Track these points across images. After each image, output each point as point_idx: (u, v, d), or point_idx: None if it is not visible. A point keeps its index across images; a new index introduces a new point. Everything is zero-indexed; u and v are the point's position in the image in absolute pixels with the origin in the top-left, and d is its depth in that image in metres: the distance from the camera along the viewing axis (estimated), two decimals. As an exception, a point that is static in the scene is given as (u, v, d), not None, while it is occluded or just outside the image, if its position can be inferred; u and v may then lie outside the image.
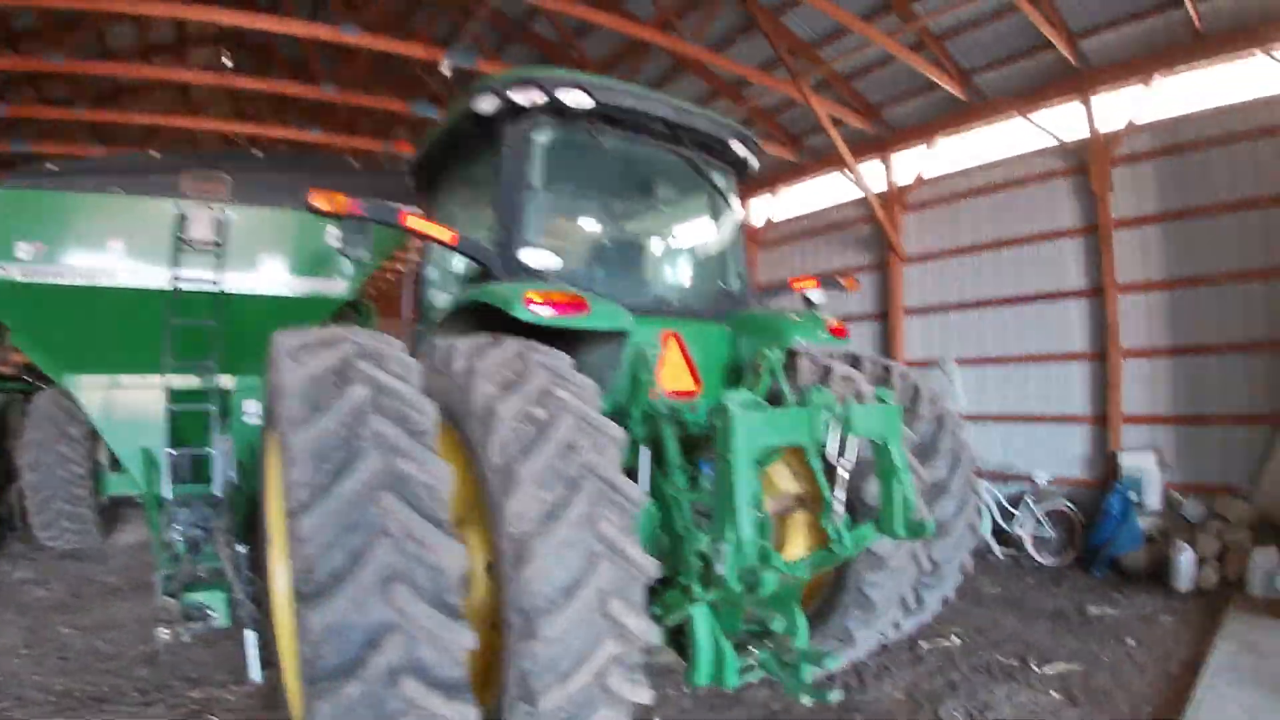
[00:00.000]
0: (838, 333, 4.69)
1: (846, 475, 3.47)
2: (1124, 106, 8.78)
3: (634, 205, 5.11)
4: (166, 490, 5.97)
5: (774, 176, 13.63)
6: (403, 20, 13.38)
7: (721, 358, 4.56)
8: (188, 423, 6.24)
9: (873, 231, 12.00)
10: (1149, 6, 8.08)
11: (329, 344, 2.80)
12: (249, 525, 5.50)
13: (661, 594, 3.31)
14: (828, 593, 4.43)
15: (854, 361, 5.42)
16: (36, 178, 5.93)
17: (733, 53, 11.00)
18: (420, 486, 2.47)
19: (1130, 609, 6.85)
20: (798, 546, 4.30)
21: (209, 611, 4.85)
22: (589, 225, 5.01)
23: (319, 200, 3.53)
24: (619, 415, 3.89)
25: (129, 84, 13.84)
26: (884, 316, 11.81)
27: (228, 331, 6.16)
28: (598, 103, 4.12)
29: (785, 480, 4.42)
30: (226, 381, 6.54)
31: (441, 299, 4.91)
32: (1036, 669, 5.36)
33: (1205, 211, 8.24)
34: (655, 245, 5.13)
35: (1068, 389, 9.47)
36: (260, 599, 4.36)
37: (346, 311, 7.73)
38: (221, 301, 6.05)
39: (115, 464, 7.88)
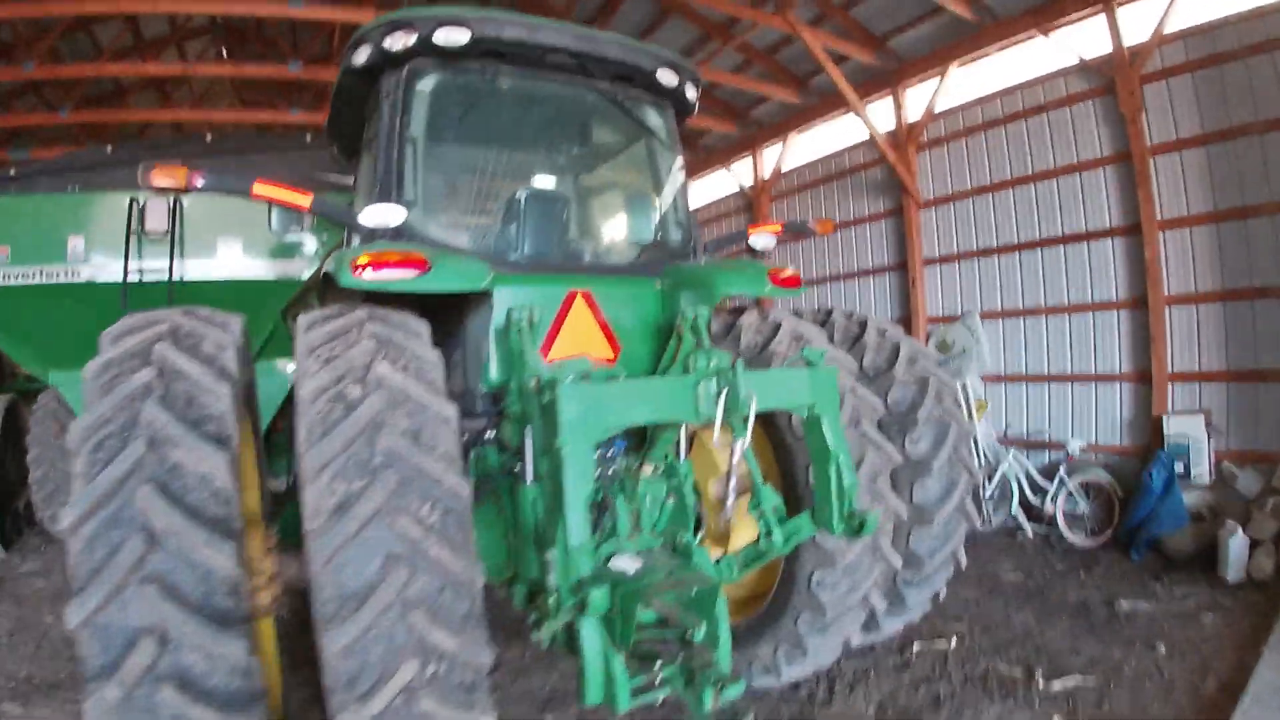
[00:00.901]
0: (789, 283, 4.06)
1: (736, 459, 2.97)
2: (1153, 13, 7.52)
3: (542, 152, 4.64)
4: None
5: (783, 124, 12.63)
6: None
7: (652, 319, 4.04)
8: None
9: (885, 175, 10.95)
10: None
11: (145, 326, 2.72)
12: None
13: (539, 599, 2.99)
14: (778, 591, 3.97)
15: (825, 318, 4.77)
16: None
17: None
18: (194, 478, 2.34)
19: (1168, 603, 5.89)
20: (746, 537, 3.73)
21: None
22: (484, 178, 4.54)
23: (160, 177, 3.26)
24: (503, 391, 3.61)
25: (129, 83, 13.78)
26: (903, 267, 10.79)
27: None
28: (475, 37, 3.65)
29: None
30: None
31: None
32: (1042, 683, 4.51)
33: (1252, 130, 7.00)
34: (565, 196, 4.52)
35: (1106, 343, 8.36)
36: None
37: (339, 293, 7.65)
38: (178, 290, 5.99)
39: None
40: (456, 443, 2.65)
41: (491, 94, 3.99)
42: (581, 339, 3.80)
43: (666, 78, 4.18)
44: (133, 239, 5.86)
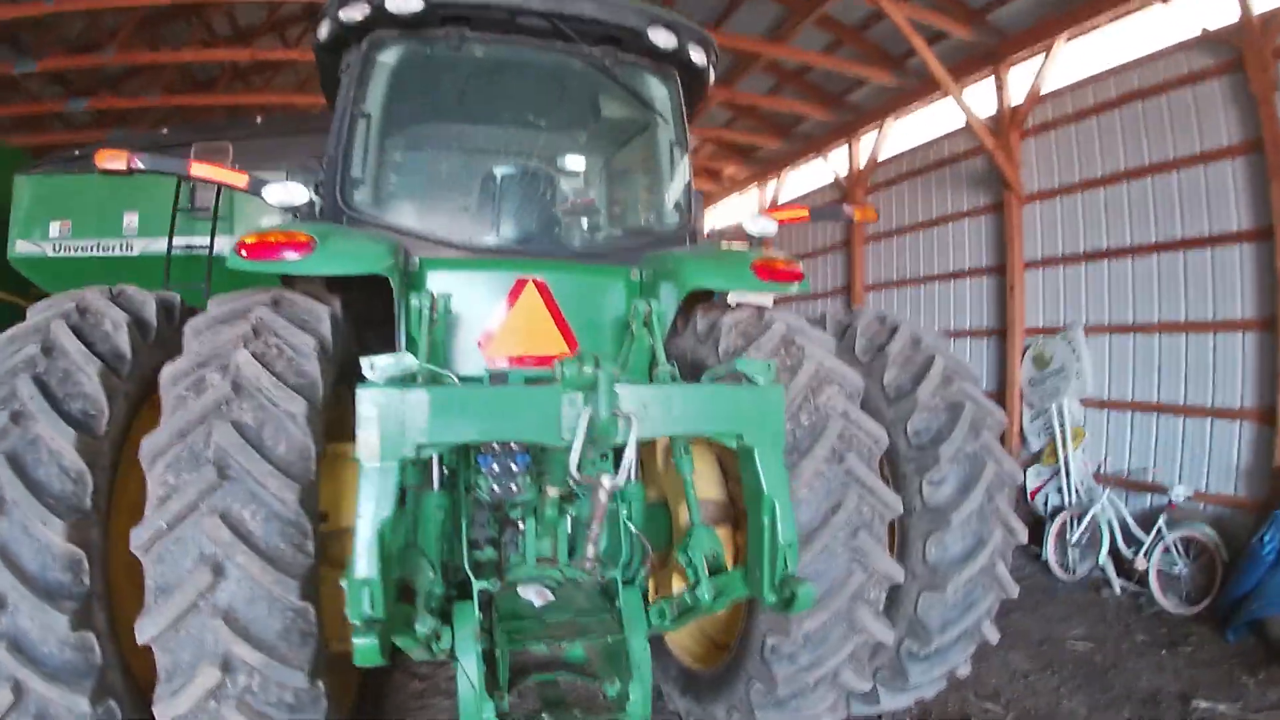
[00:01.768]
0: (781, 276, 3.50)
1: (604, 498, 2.48)
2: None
3: (513, 128, 4.32)
4: None
5: (879, 109, 11.60)
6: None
7: (623, 312, 3.65)
8: None
9: (985, 166, 9.72)
10: None
11: (59, 302, 2.79)
12: None
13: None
14: (736, 647, 3.31)
15: (848, 323, 3.99)
16: (64, 164, 6.95)
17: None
18: (47, 454, 2.43)
19: (1255, 709, 4.72)
20: (680, 585, 3.40)
21: None
22: (445, 155, 4.42)
23: (104, 160, 3.36)
24: None
25: (229, 69, 14.52)
26: (1001, 270, 9.57)
27: (215, 291, 6.60)
28: (431, 2, 3.43)
29: (706, 484, 3.59)
30: None
31: None
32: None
33: None
34: (531, 174, 4.14)
35: (1226, 371, 7.00)
36: None
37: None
38: (213, 264, 6.29)
39: None
40: (308, 442, 2.49)
41: (460, 65, 3.79)
42: (530, 333, 3.48)
43: (662, 39, 3.75)
44: (179, 216, 6.39)
